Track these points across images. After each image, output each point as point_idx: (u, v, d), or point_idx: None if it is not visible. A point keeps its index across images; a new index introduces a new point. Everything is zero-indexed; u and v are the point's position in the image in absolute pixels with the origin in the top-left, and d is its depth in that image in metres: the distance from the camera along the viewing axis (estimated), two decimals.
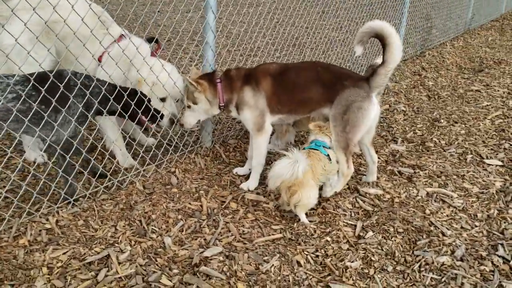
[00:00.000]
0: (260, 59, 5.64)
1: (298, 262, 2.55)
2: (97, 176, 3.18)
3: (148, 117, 3.14)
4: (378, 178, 3.45)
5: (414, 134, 4.32)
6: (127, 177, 3.22)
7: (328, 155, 3.03)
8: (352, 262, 2.56)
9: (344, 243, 2.73)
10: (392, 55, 2.91)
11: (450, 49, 7.78)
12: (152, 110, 3.12)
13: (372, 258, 2.59)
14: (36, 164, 3.37)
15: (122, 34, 3.27)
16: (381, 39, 2.92)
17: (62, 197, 2.87)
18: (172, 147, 3.61)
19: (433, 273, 2.48)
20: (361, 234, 2.82)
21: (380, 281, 2.43)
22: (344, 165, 3.06)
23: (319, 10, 7.58)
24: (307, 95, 3.14)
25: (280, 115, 3.25)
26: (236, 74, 3.24)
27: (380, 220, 2.94)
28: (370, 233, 2.81)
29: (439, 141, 4.15)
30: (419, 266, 2.53)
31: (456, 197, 3.24)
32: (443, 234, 2.81)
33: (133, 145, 3.42)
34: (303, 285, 2.38)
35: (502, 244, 2.72)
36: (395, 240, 2.75)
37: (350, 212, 3.06)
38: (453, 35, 8.84)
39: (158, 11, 8.85)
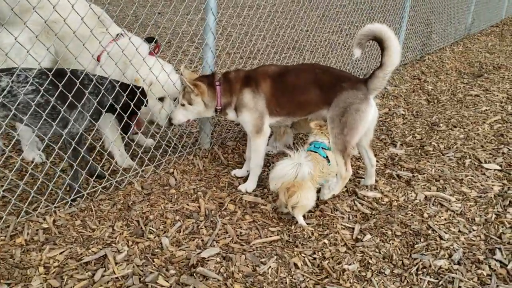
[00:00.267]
0: (260, 61, 5.65)
1: (295, 265, 2.54)
2: (94, 176, 3.17)
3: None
4: (376, 181, 3.45)
5: (413, 138, 4.32)
6: (126, 177, 3.22)
7: (327, 156, 3.03)
8: (350, 265, 2.56)
9: (341, 246, 2.73)
10: (391, 58, 2.91)
11: (449, 54, 7.80)
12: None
13: (370, 261, 2.59)
14: (34, 163, 3.37)
15: (121, 34, 3.27)
16: (380, 42, 2.92)
17: (75, 189, 2.93)
18: (171, 148, 3.61)
19: (430, 277, 2.48)
20: (359, 237, 2.82)
21: (377, 284, 2.42)
22: (343, 168, 3.06)
23: (319, 13, 7.59)
24: (305, 97, 3.14)
25: (278, 117, 3.25)
26: (235, 76, 3.23)
27: (378, 223, 2.94)
28: (368, 236, 2.81)
29: (438, 145, 4.15)
30: (417, 270, 2.53)
31: (454, 201, 3.23)
32: (441, 238, 2.81)
33: (132, 145, 3.41)
34: (300, 287, 2.38)
35: (499, 248, 2.71)
36: (392, 243, 2.75)
37: (348, 215, 3.06)
38: (453, 40, 8.86)
39: (159, 13, 8.87)
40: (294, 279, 2.44)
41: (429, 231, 2.87)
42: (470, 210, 3.14)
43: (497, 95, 5.65)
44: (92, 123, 3.00)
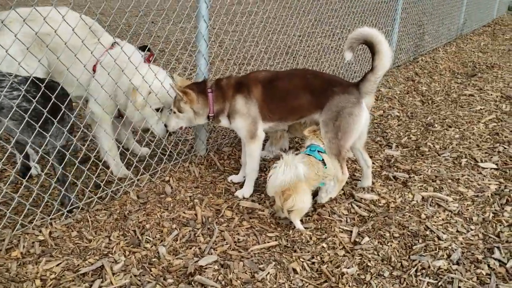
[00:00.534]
0: (254, 67, 5.65)
1: (294, 270, 2.53)
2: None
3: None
4: (373, 183, 3.44)
5: (409, 139, 4.32)
6: (121, 187, 3.21)
7: (322, 159, 3.02)
8: (349, 268, 2.54)
9: (340, 249, 2.72)
10: (382, 62, 2.93)
11: (443, 55, 7.83)
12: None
13: (369, 264, 2.58)
14: (29, 175, 3.35)
15: (114, 43, 3.27)
16: (371, 46, 2.93)
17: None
18: (166, 156, 3.60)
19: (429, 278, 2.47)
20: (357, 240, 2.81)
21: (377, 286, 2.41)
22: (339, 171, 3.06)
23: (312, 18, 7.61)
24: (297, 102, 3.14)
25: (271, 123, 3.25)
26: (227, 83, 3.23)
27: (376, 225, 2.93)
28: (366, 239, 2.80)
29: (434, 146, 4.16)
30: (416, 271, 2.52)
31: (451, 201, 3.23)
32: (439, 238, 2.80)
33: (127, 155, 3.40)
34: None
35: (498, 247, 2.71)
36: (391, 245, 2.74)
37: (346, 218, 3.05)
38: (446, 40, 8.90)
39: (152, 22, 8.87)
40: (293, 284, 2.42)
41: (427, 232, 2.86)
42: (468, 209, 3.14)
43: (491, 94, 5.67)
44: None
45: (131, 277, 2.40)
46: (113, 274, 2.42)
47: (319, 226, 2.94)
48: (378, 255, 2.66)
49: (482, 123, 4.70)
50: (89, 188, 3.08)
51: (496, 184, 3.46)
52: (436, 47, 8.32)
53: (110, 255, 2.58)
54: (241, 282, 2.41)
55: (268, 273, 2.48)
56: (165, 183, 3.34)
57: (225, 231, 2.84)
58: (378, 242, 2.77)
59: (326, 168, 3.03)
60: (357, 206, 3.17)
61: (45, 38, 2.85)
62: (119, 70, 3.07)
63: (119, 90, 3.17)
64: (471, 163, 3.81)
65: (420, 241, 2.78)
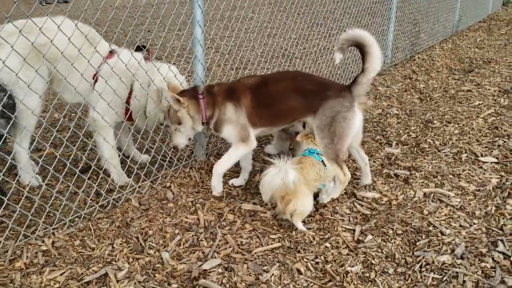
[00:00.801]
0: (250, 71, 5.67)
1: (298, 270, 2.53)
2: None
3: None
4: (374, 181, 3.44)
5: (408, 137, 4.32)
6: (123, 194, 3.21)
7: (322, 160, 3.02)
8: (353, 266, 2.54)
9: (343, 248, 2.72)
10: (373, 64, 2.93)
11: (439, 52, 7.84)
12: None
13: (373, 262, 2.57)
14: (29, 186, 3.35)
15: (112, 50, 3.29)
16: (361, 48, 2.93)
17: None
18: (167, 162, 3.60)
19: (434, 273, 2.46)
20: (360, 238, 2.80)
21: (381, 284, 2.41)
22: (340, 173, 3.05)
23: (307, 20, 7.64)
24: (287, 106, 3.11)
25: (262, 128, 3.24)
26: (218, 89, 3.21)
27: (378, 223, 2.93)
28: (369, 237, 2.80)
29: (434, 142, 4.16)
30: (420, 267, 2.51)
31: (453, 196, 3.23)
32: (442, 234, 2.80)
33: (127, 162, 3.40)
34: None
35: (501, 240, 2.70)
36: (394, 242, 2.73)
37: (348, 217, 3.04)
38: (442, 37, 8.92)
39: (148, 31, 8.90)
40: (298, 284, 2.42)
41: (430, 228, 2.86)
42: (470, 204, 3.13)
43: (489, 89, 5.67)
44: None
45: (135, 283, 2.40)
46: (117, 281, 2.42)
47: (322, 226, 2.93)
48: (382, 252, 2.66)
49: (481, 117, 4.70)
50: (90, 197, 3.09)
51: (497, 178, 3.45)
52: (432, 45, 8.34)
53: (114, 262, 2.58)
54: (246, 284, 2.41)
55: (273, 274, 2.48)
56: (167, 189, 3.35)
57: (228, 234, 2.84)
58: (382, 240, 2.77)
59: (326, 169, 3.03)
60: (359, 204, 3.17)
61: (42, 49, 2.86)
62: (128, 77, 3.19)
63: (142, 94, 3.28)
64: (471, 158, 3.81)
65: (424, 237, 2.77)
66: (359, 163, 3.37)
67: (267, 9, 5.29)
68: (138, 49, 3.39)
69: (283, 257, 2.63)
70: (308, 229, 2.89)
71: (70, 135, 4.14)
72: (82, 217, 2.97)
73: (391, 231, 2.84)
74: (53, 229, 2.83)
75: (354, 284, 2.41)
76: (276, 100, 3.12)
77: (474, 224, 2.91)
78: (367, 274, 2.48)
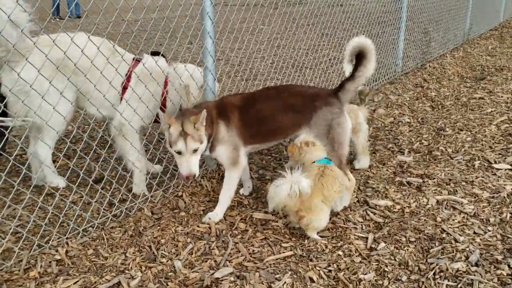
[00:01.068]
0: (260, 82, 5.70)
1: (311, 278, 2.51)
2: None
3: None
4: (387, 189, 3.43)
5: (421, 144, 4.30)
6: (135, 204, 3.23)
7: None
8: (366, 274, 2.52)
9: (356, 256, 2.70)
10: (366, 72, 2.99)
11: (450, 60, 7.81)
12: None
13: (386, 269, 2.55)
14: (52, 191, 3.40)
15: (136, 58, 3.46)
16: (362, 55, 2.98)
17: None
18: (178, 171, 3.62)
19: (448, 280, 2.43)
20: (373, 246, 2.78)
21: None
22: (345, 179, 3.03)
23: (319, 32, 7.68)
24: (279, 125, 3.08)
25: (254, 145, 3.21)
26: (209, 108, 3.06)
27: (391, 231, 2.91)
28: (382, 244, 2.78)
29: (446, 149, 4.13)
30: (434, 274, 2.49)
31: (467, 203, 3.20)
32: (456, 241, 2.77)
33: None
34: None
35: None
36: (407, 250, 2.71)
37: (361, 225, 3.03)
38: (453, 46, 8.89)
39: (160, 45, 9.01)
40: None
41: (444, 235, 2.83)
42: (484, 211, 3.10)
43: (502, 96, 5.63)
44: None
45: None
46: None
47: (335, 234, 2.92)
48: (395, 260, 2.63)
49: (494, 125, 4.66)
50: (103, 207, 3.11)
51: None
52: (443, 53, 8.31)
53: (127, 271, 2.59)
54: None
55: (285, 282, 2.47)
56: (179, 198, 3.36)
57: (239, 243, 2.84)
58: (395, 247, 2.75)
59: None
60: (371, 212, 3.15)
61: (68, 63, 3.00)
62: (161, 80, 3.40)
63: (174, 96, 3.47)
64: (484, 165, 3.77)
65: (437, 244, 2.75)
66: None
67: (277, 19, 5.33)
68: (153, 54, 3.49)
69: (296, 265, 2.62)
70: (320, 237, 2.88)
71: (83, 147, 4.20)
72: (95, 227, 3.00)
73: (404, 239, 2.81)
74: (67, 238, 2.85)
75: None
76: (267, 118, 3.06)
77: (489, 231, 2.87)
78: (380, 282, 2.46)
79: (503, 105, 5.30)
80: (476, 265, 2.54)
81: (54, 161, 4.02)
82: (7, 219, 3.04)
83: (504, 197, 3.25)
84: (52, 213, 2.99)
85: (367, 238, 2.87)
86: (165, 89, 3.44)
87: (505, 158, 3.86)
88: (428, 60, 7.72)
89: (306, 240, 2.85)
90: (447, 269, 2.50)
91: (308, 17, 5.58)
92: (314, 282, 2.49)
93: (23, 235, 2.71)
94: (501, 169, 3.67)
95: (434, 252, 2.66)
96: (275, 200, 2.79)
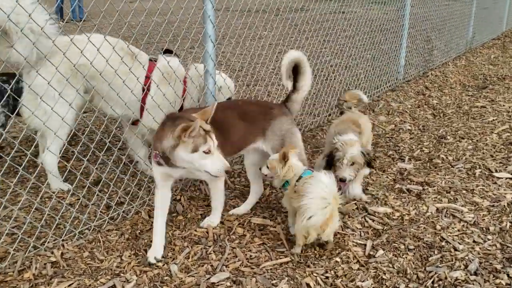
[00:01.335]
0: (260, 87, 5.69)
1: (307, 285, 2.49)
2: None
3: None
4: (386, 196, 3.40)
5: (421, 152, 4.28)
6: (132, 207, 3.21)
7: None
8: (363, 281, 2.49)
9: (354, 263, 2.67)
10: (306, 82, 3.05)
11: (452, 68, 7.80)
12: None
13: (384, 277, 2.52)
14: (52, 194, 3.39)
15: (151, 59, 3.56)
16: (297, 68, 3.03)
17: None
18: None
19: None
20: (371, 253, 2.76)
21: None
22: None
23: (320, 38, 7.68)
24: (233, 135, 2.98)
25: None
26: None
27: (390, 238, 2.88)
28: (381, 252, 2.75)
29: (447, 157, 4.10)
30: (432, 282, 2.46)
31: (467, 212, 3.17)
32: (455, 249, 2.74)
33: (137, 175, 3.41)
34: None
35: None
36: (406, 257, 2.68)
37: (360, 231, 3.00)
38: (455, 54, 8.88)
39: (162, 49, 9.01)
40: None
41: (443, 243, 2.80)
42: (484, 219, 3.07)
43: (504, 105, 5.61)
44: None
45: None
46: None
47: (332, 241, 2.89)
48: (393, 267, 2.61)
49: (495, 133, 4.64)
50: (100, 209, 3.09)
51: None
52: (445, 61, 8.30)
53: (122, 274, 2.56)
54: None
55: None
56: (176, 202, 3.34)
57: (237, 248, 2.82)
58: (393, 255, 2.72)
59: None
60: (370, 219, 3.13)
61: (82, 69, 3.08)
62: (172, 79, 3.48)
63: (194, 95, 3.61)
64: (485, 173, 3.75)
65: (436, 252, 2.72)
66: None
67: (279, 25, 5.33)
68: (166, 53, 3.57)
69: (293, 271, 2.60)
70: (318, 244, 2.83)
71: (82, 149, 4.19)
72: (92, 229, 2.97)
73: (402, 246, 2.79)
74: (63, 240, 2.83)
75: None
76: (226, 130, 2.95)
77: (488, 240, 2.84)
78: None
79: (505, 114, 5.28)
80: (475, 274, 2.51)
81: None
82: (3, 220, 3.03)
83: (504, 206, 3.22)
84: (48, 214, 2.97)
85: (365, 245, 2.84)
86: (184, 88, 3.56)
87: (506, 167, 3.83)
88: (430, 68, 7.70)
89: (303, 246, 2.82)
90: (445, 278, 2.47)
91: (310, 23, 5.58)
92: None
93: (18, 236, 2.69)
94: (502, 178, 3.65)
95: (433, 260, 2.64)
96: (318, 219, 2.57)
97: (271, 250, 2.80)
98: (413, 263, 2.64)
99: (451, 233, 2.92)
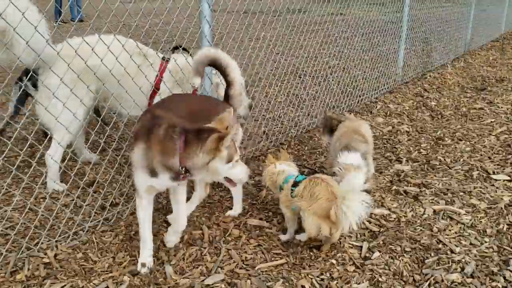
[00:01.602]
0: (258, 88, 5.67)
1: (303, 287, 2.46)
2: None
3: None
4: (383, 198, 3.38)
5: (419, 154, 4.26)
6: (127, 208, 3.19)
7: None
8: (359, 284, 2.47)
9: (350, 265, 2.65)
10: (235, 75, 2.83)
11: (451, 70, 7.78)
12: None
13: (380, 279, 2.50)
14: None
15: (163, 57, 3.66)
16: (219, 65, 2.83)
17: None
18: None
19: None
20: (367, 255, 2.74)
21: None
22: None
23: (320, 40, 7.66)
24: None
25: None
26: None
27: (386, 240, 2.86)
28: (377, 254, 2.73)
29: (444, 159, 4.08)
30: (429, 285, 2.44)
31: (464, 214, 3.15)
32: (452, 251, 2.72)
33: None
34: None
35: None
36: (402, 260, 2.66)
37: (356, 233, 2.98)
38: (453, 56, 8.87)
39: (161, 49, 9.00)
40: None
41: (440, 245, 2.78)
42: (481, 222, 3.05)
43: (502, 107, 5.60)
44: None
45: None
46: None
47: None
48: (390, 270, 2.58)
49: (493, 135, 4.62)
50: (95, 210, 3.07)
51: (510, 196, 3.37)
52: (444, 63, 8.29)
53: (116, 276, 2.54)
54: None
55: None
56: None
57: (232, 249, 2.79)
58: (389, 257, 2.70)
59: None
60: (367, 221, 3.10)
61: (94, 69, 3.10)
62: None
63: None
64: (483, 175, 3.73)
65: (433, 254, 2.70)
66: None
67: (278, 26, 5.30)
68: (174, 49, 3.63)
69: (288, 273, 2.57)
70: (313, 245, 2.81)
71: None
72: (86, 230, 2.95)
73: (399, 248, 2.77)
74: (56, 241, 2.81)
75: None
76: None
77: (485, 242, 2.82)
78: None
79: (503, 115, 5.27)
80: (472, 276, 2.49)
81: None
82: None
83: (502, 208, 3.20)
84: (42, 215, 2.95)
85: (361, 247, 2.82)
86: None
87: (504, 169, 3.81)
88: (428, 70, 7.69)
89: (299, 248, 2.80)
90: (442, 280, 2.46)
91: (309, 24, 5.57)
92: None
93: (11, 237, 2.67)
94: (500, 180, 3.63)
95: (430, 263, 2.62)
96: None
97: (267, 252, 2.78)
98: (410, 265, 2.62)
99: (448, 235, 2.90)
